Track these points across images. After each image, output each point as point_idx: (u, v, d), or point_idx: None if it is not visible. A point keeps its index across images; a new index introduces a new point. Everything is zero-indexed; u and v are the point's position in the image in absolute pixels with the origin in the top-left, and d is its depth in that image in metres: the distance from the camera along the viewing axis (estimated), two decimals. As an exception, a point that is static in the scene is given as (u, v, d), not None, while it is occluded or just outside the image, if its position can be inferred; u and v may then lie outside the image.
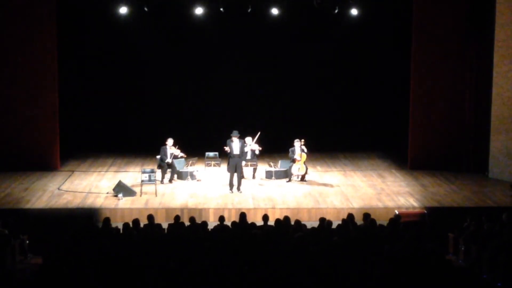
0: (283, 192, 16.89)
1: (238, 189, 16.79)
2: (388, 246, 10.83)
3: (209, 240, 11.32)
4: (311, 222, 13.82)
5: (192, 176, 17.95)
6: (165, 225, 13.02)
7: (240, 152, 16.82)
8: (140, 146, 20.92)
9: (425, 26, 18.89)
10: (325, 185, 17.67)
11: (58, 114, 18.87)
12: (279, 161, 18.73)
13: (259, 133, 17.95)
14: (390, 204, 15.92)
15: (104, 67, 21.37)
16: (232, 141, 16.80)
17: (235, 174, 16.79)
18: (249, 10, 19.19)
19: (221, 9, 19.12)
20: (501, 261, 11.11)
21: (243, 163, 17.07)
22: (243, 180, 17.80)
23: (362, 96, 22.01)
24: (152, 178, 16.62)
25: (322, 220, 12.59)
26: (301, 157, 17.64)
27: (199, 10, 19.17)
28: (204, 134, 20.63)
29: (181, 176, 17.98)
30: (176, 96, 21.73)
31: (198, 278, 9.47)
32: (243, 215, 12.92)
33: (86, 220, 13.12)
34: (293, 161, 17.76)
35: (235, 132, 16.89)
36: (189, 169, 18.03)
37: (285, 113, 21.92)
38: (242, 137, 17.45)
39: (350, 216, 12.93)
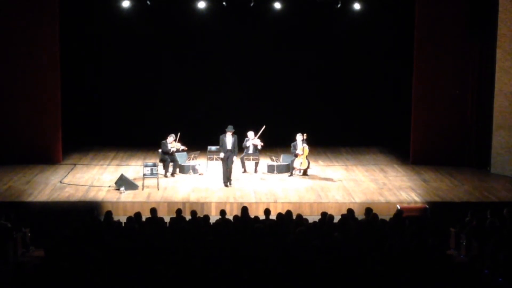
0: (285, 186, 16.90)
1: (229, 183, 16.74)
2: (389, 241, 10.84)
3: (211, 234, 11.34)
4: (313, 217, 13.82)
5: (194, 170, 17.97)
6: (167, 219, 13.05)
7: (232, 147, 16.80)
8: (142, 140, 20.93)
9: (427, 21, 18.86)
10: (327, 179, 17.68)
11: (60, 107, 18.88)
12: (281, 155, 18.75)
13: (263, 127, 17.94)
14: (392, 198, 15.92)
15: (106, 60, 21.36)
16: (225, 136, 16.81)
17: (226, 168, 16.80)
18: (251, 5, 19.19)
19: (224, 3, 19.12)
20: (502, 256, 11.12)
21: (234, 157, 16.99)
22: (245, 174, 17.90)
23: (365, 91, 21.98)
24: (154, 172, 16.62)
25: (324, 214, 12.60)
26: (303, 151, 17.64)
27: (201, 4, 19.19)
28: (206, 128, 20.60)
29: (183, 170, 18.00)
30: (178, 89, 21.71)
31: (200, 272, 9.48)
32: (245, 209, 12.93)
33: (88, 213, 13.14)
34: (295, 155, 17.76)
35: (230, 127, 16.89)
36: (191, 163, 18.05)
37: (287, 107, 21.90)
38: (244, 132, 17.49)
39: (350, 211, 12.95)
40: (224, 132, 16.88)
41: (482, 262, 11.27)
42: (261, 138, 17.98)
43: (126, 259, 10.07)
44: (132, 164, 19.15)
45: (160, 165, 17.56)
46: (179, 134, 17.93)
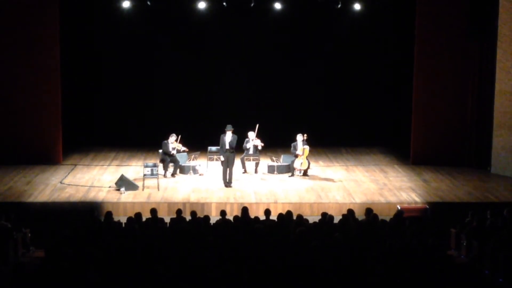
0: (285, 186, 16.89)
1: (229, 184, 16.73)
2: (389, 241, 10.84)
3: (211, 235, 11.33)
4: (313, 217, 13.82)
5: (195, 171, 17.96)
6: (167, 219, 13.05)
7: (231, 146, 16.77)
8: (143, 140, 20.93)
9: (428, 21, 18.85)
10: (327, 179, 17.67)
11: (60, 107, 18.88)
12: (282, 156, 18.74)
13: (257, 125, 17.91)
14: (392, 199, 15.92)
15: (106, 61, 21.36)
16: (225, 135, 16.80)
17: (227, 169, 16.77)
18: (252, 5, 19.19)
19: (224, 4, 19.11)
20: (502, 256, 11.12)
21: (234, 158, 16.95)
22: (245, 175, 17.87)
23: (365, 91, 21.98)
24: (154, 172, 16.61)
25: (324, 214, 12.60)
26: (303, 151, 17.63)
27: (202, 5, 19.18)
28: (206, 129, 20.59)
29: (184, 170, 17.99)
30: (178, 90, 21.72)
31: (200, 272, 9.48)
32: (245, 210, 12.93)
33: (88, 214, 13.13)
34: (296, 155, 17.76)
35: (229, 126, 16.87)
36: (192, 163, 18.04)
37: (288, 107, 21.89)
38: (244, 132, 17.48)
39: (350, 211, 12.95)
40: (224, 132, 16.87)
41: (482, 263, 11.29)
42: (261, 138, 17.96)
43: (126, 259, 10.06)
44: (132, 165, 19.14)
45: (160, 166, 17.55)
46: (178, 140, 17.90)
